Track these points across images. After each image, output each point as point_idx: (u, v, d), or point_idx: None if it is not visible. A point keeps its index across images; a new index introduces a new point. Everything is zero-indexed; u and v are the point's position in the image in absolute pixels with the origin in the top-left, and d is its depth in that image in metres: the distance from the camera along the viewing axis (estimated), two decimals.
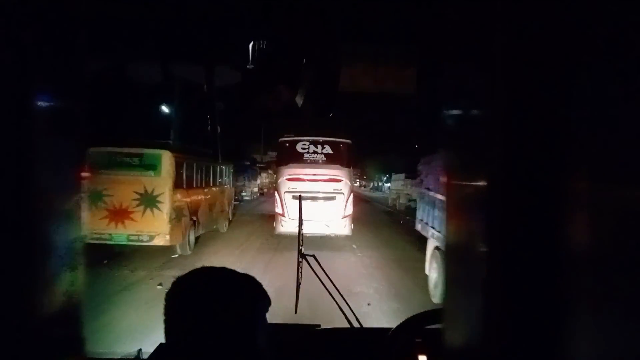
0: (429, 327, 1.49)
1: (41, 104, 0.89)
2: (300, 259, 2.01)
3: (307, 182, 11.55)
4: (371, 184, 66.00)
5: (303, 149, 11.87)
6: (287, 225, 11.11)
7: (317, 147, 11.85)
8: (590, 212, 0.63)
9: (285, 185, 11.64)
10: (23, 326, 0.83)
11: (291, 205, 11.27)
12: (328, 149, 11.86)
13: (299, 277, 1.98)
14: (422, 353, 1.43)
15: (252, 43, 1.57)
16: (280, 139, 12.46)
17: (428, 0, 1.34)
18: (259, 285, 0.92)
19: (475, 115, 0.84)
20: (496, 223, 0.73)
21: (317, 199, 11.44)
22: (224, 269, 0.91)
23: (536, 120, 0.69)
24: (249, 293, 0.90)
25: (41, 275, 0.89)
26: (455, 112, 0.97)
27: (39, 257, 0.88)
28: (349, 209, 11.75)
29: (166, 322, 0.85)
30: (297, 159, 11.82)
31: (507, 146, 0.71)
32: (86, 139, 1.06)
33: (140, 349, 1.82)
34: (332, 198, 11.57)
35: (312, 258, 2.02)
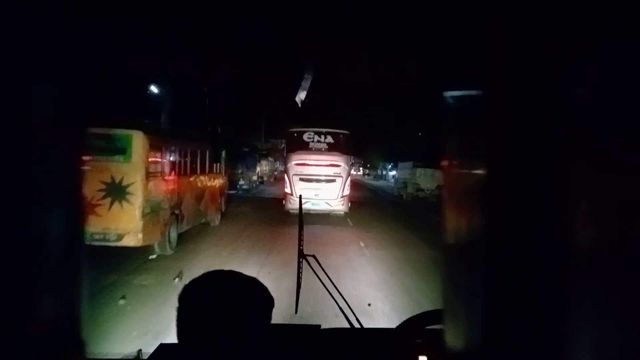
0: (429, 327, 1.48)
1: (38, 95, 0.85)
2: (300, 259, 1.95)
3: (312, 167, 13.74)
4: (375, 172, 62.99)
5: (308, 138, 13.97)
6: (294, 203, 13.22)
7: (320, 137, 13.94)
8: (591, 211, 0.62)
9: (294, 169, 13.83)
10: (23, 326, 0.82)
11: (298, 186, 13.34)
12: (329, 139, 13.95)
13: (299, 277, 1.92)
14: (423, 354, 1.38)
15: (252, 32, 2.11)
16: (289, 130, 14.41)
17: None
18: (263, 287, 0.95)
19: (475, 109, 0.84)
20: (496, 222, 0.73)
21: (320, 181, 13.73)
22: (231, 272, 0.94)
23: (536, 112, 0.68)
24: (254, 295, 0.92)
25: (41, 275, 0.86)
26: (453, 104, 0.95)
27: (38, 256, 0.85)
28: (347, 190, 13.92)
29: (178, 325, 0.87)
30: (304, 147, 13.93)
31: (506, 141, 0.71)
32: (85, 133, 1.06)
33: (140, 350, 1.79)
34: (333, 180, 13.74)
35: (312, 258, 1.94)
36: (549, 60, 0.65)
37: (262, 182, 31.19)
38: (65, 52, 0.92)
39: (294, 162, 13.83)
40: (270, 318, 0.92)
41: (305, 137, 13.97)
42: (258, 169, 30.51)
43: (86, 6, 0.99)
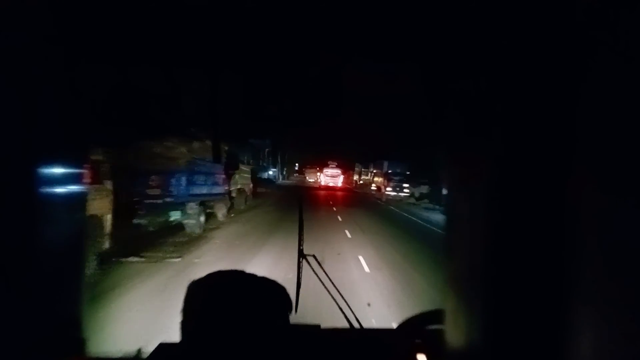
0: (429, 327, 1.52)
1: (45, 108, 0.91)
2: (300, 259, 1.94)
3: (329, 171, 52.12)
4: (417, 191, 30.76)
5: (328, 163, 53.28)
6: (323, 181, 50.01)
7: (332, 162, 53.33)
8: (590, 213, 0.62)
9: (324, 172, 51.91)
10: (24, 327, 0.82)
11: (324, 178, 50.97)
12: (335, 163, 53.34)
13: (299, 277, 1.92)
14: (422, 353, 1.41)
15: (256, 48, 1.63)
16: (328, 162, 53.52)
17: (433, 15, 1.30)
18: (280, 288, 0.90)
19: (477, 118, 0.86)
20: (497, 224, 0.75)
21: (329, 176, 51.04)
22: (242, 272, 0.91)
23: (537, 124, 0.71)
24: (266, 296, 0.88)
25: (43, 277, 0.86)
26: (457, 114, 0.99)
27: (40, 258, 0.85)
28: (342, 180, 51.60)
29: (182, 322, 0.84)
30: (328, 166, 53.03)
31: (507, 147, 0.73)
32: (89, 142, 1.02)
33: (139, 349, 1.73)
34: (336, 177, 51.10)
35: (312, 258, 1.97)
36: (549, 77, 0.69)
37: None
38: (71, 70, 0.95)
39: (325, 170, 51.03)
40: (286, 317, 0.88)
41: (328, 163, 51.47)
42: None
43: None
